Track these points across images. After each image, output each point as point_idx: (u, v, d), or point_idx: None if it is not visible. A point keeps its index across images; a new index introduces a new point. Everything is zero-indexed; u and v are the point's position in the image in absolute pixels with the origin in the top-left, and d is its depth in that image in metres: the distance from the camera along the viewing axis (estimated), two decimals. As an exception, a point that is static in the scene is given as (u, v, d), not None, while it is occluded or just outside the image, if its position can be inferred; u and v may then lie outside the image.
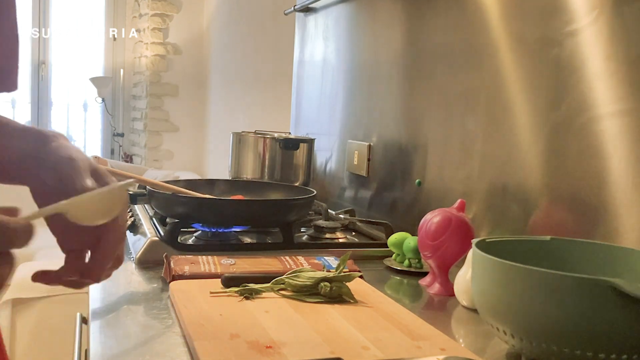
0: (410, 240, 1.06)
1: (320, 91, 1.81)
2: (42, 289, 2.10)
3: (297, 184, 1.59)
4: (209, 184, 1.38)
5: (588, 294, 0.59)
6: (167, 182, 1.25)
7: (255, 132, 1.68)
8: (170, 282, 0.87)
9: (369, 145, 1.48)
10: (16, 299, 2.07)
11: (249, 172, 1.64)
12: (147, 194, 1.20)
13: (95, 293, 0.87)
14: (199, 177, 3.59)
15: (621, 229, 0.80)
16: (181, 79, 4.23)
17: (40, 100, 4.33)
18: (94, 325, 0.75)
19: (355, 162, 1.54)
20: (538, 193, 0.94)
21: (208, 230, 1.15)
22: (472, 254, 0.71)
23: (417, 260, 1.06)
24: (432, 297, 0.94)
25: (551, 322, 0.61)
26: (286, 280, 0.85)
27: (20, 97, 4.31)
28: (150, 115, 4.19)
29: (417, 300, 0.94)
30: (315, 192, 1.22)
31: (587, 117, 0.85)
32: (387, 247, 1.11)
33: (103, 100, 4.32)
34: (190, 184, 1.33)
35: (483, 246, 0.72)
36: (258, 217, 1.16)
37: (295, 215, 1.17)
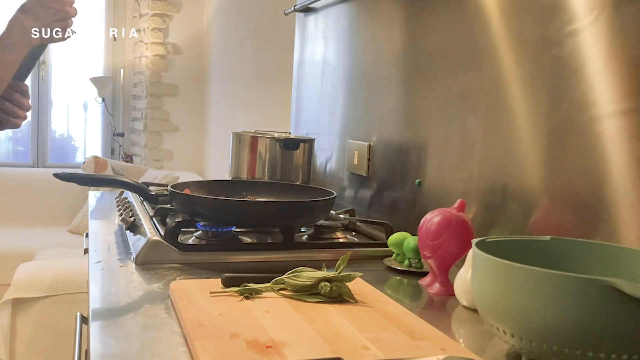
0: (410, 240, 1.06)
1: (320, 91, 1.81)
2: (42, 288, 2.10)
3: (297, 184, 1.59)
4: (228, 185, 1.38)
5: (588, 294, 0.59)
6: (186, 183, 1.27)
7: (255, 132, 1.68)
8: None
9: (369, 145, 1.48)
10: (16, 299, 2.07)
11: (249, 172, 1.64)
12: (168, 195, 1.19)
13: (95, 293, 0.88)
14: (201, 179, 3.59)
15: (621, 229, 0.80)
16: (181, 79, 4.22)
17: (41, 100, 4.32)
18: (94, 325, 0.74)
19: (355, 162, 1.54)
20: (538, 193, 0.94)
21: (209, 230, 1.15)
22: (472, 254, 0.71)
23: (417, 260, 1.06)
24: (432, 297, 0.94)
25: (551, 322, 0.61)
26: (286, 280, 0.85)
27: (20, 97, 4.30)
28: (151, 115, 4.18)
29: (417, 300, 0.94)
30: (335, 194, 1.22)
31: (587, 117, 0.85)
32: (387, 247, 1.11)
33: (103, 100, 4.31)
34: (203, 185, 1.33)
35: (483, 246, 0.72)
36: (289, 218, 1.14)
37: (321, 215, 1.19)
